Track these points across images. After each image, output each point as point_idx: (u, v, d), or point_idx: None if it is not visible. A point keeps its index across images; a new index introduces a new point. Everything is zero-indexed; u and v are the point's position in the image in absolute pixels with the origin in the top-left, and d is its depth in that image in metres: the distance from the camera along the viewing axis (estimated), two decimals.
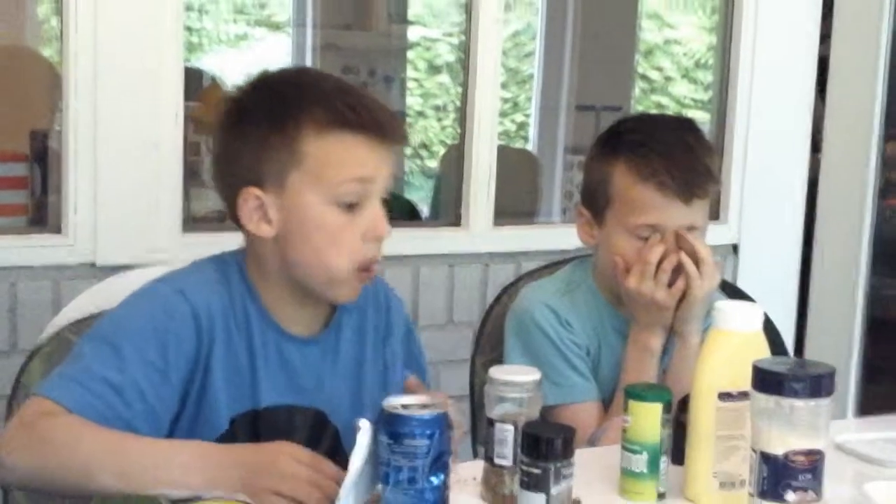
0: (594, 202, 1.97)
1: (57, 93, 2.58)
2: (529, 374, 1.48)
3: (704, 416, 1.46)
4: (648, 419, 1.48)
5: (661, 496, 1.49)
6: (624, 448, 1.49)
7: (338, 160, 1.54)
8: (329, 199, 1.54)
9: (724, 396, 1.45)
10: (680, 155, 1.90)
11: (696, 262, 1.88)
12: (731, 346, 1.45)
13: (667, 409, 1.48)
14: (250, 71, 1.65)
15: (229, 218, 1.64)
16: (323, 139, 1.54)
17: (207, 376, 1.56)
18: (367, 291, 1.68)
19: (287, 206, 1.55)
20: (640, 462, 1.48)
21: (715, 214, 3.32)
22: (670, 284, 1.88)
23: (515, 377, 1.47)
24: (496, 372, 1.47)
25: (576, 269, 2.06)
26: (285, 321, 1.63)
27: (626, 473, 1.49)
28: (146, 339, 1.52)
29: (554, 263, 2.18)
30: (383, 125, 1.57)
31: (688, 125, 2.03)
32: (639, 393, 1.50)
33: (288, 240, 1.57)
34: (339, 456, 1.56)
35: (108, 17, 2.53)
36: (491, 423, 1.45)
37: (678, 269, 1.88)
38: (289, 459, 1.40)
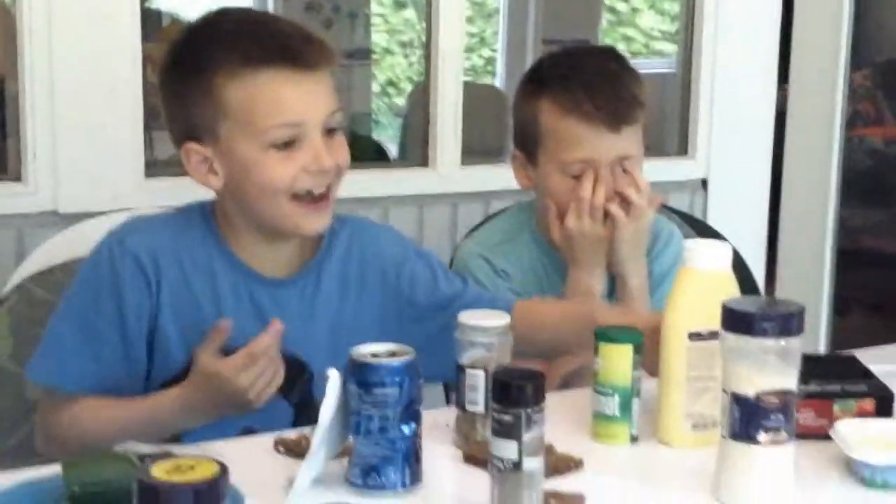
0: (526, 143, 1.94)
1: (11, 36, 2.53)
2: (499, 319, 1.46)
3: (675, 357, 1.46)
4: (619, 361, 1.47)
5: (633, 439, 1.48)
6: (595, 391, 1.48)
7: (261, 105, 1.52)
8: (262, 145, 1.53)
9: (695, 336, 1.44)
10: (603, 84, 1.87)
11: (625, 201, 1.86)
12: (700, 286, 1.44)
13: (637, 350, 1.47)
14: (210, 9, 1.63)
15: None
16: (239, 83, 1.52)
17: (157, 318, 1.57)
18: (354, 242, 1.69)
19: (226, 156, 1.55)
20: (612, 405, 1.47)
21: (683, 149, 3.32)
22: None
23: (484, 322, 1.45)
24: (465, 317, 1.46)
25: (518, 214, 2.03)
26: (256, 264, 1.62)
27: (599, 417, 1.49)
28: (102, 298, 1.56)
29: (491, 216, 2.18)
30: (297, 53, 1.53)
31: (611, 54, 2.00)
32: (609, 335, 1.49)
33: (236, 186, 1.57)
34: (311, 402, 1.60)
35: None
36: (461, 369, 1.44)
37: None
38: (225, 371, 1.46)
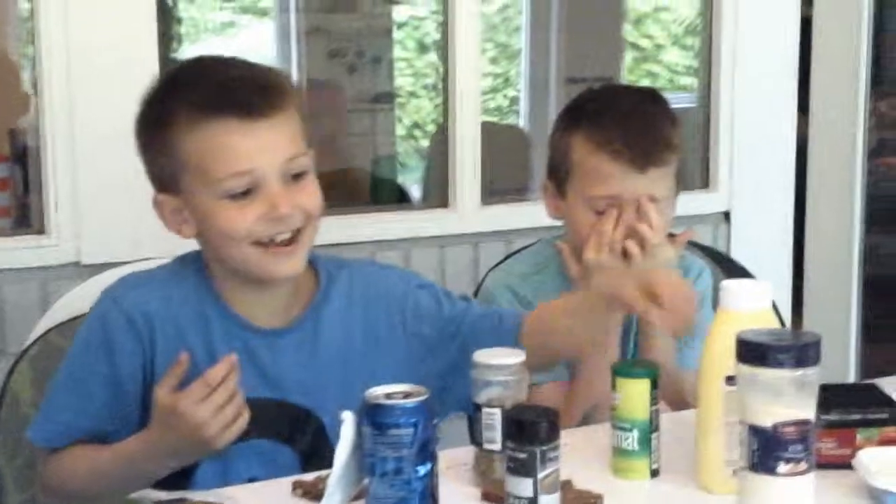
0: (557, 174, 1.95)
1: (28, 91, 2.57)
2: (514, 357, 1.46)
3: (713, 402, 1.41)
4: (637, 396, 1.46)
5: (654, 473, 1.47)
6: (614, 426, 1.47)
7: (214, 156, 1.51)
8: (217, 195, 1.52)
9: (731, 381, 1.37)
10: (636, 123, 1.88)
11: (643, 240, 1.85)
12: (737, 328, 1.33)
13: (654, 384, 1.46)
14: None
15: None
16: (193, 134, 1.52)
17: (154, 373, 1.56)
18: (355, 285, 1.67)
19: (190, 206, 1.55)
20: (630, 439, 1.46)
21: (704, 182, 3.30)
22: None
23: (499, 360, 1.45)
24: (480, 356, 1.45)
25: (544, 248, 2.03)
26: (250, 314, 1.61)
27: (618, 452, 1.48)
28: (95, 358, 1.58)
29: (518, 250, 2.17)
30: (246, 101, 1.51)
31: (649, 95, 2.01)
32: (626, 370, 1.48)
33: (204, 235, 1.57)
34: (326, 450, 1.57)
35: (80, 9, 2.50)
36: (478, 407, 1.44)
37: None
38: (181, 405, 1.45)
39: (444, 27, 3.00)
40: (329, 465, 1.54)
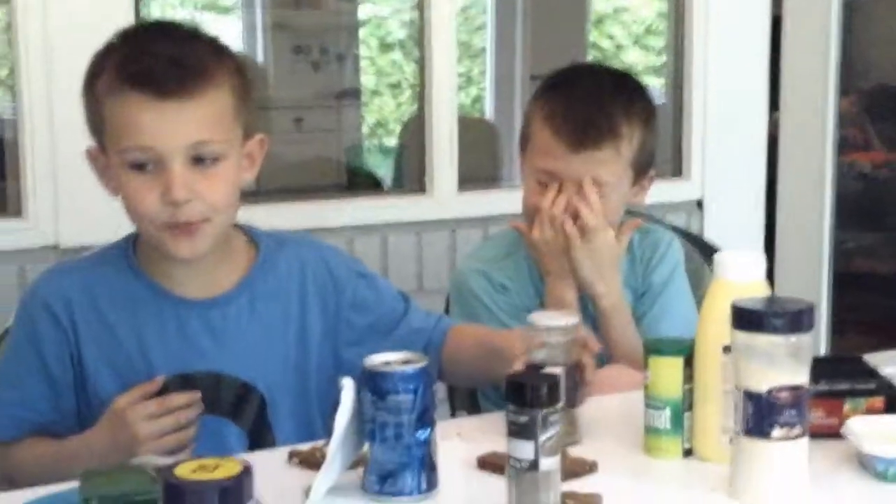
0: (521, 142, 1.94)
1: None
2: (569, 319, 1.48)
3: (710, 371, 1.41)
4: (669, 374, 1.44)
5: (687, 452, 1.44)
6: (646, 405, 1.45)
7: (122, 125, 1.49)
8: (122, 163, 1.51)
9: (729, 350, 1.37)
10: (584, 103, 1.85)
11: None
12: (732, 297, 1.34)
13: (688, 362, 1.43)
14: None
15: None
16: (111, 100, 1.50)
17: (81, 359, 1.57)
18: (294, 262, 1.66)
19: (110, 167, 1.54)
20: (663, 418, 1.44)
21: (678, 170, 3.35)
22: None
23: (556, 322, 1.47)
24: (535, 317, 1.47)
25: (514, 231, 1.98)
26: (179, 287, 1.59)
27: (650, 431, 1.45)
28: (25, 351, 1.58)
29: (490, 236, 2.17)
30: (159, 79, 1.48)
31: (617, 79, 1.96)
32: (657, 348, 1.46)
33: (123, 201, 1.56)
34: (267, 426, 1.60)
35: (58, 4, 2.53)
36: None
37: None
38: (130, 415, 1.47)
39: (420, 23, 3.03)
40: (272, 441, 1.59)
